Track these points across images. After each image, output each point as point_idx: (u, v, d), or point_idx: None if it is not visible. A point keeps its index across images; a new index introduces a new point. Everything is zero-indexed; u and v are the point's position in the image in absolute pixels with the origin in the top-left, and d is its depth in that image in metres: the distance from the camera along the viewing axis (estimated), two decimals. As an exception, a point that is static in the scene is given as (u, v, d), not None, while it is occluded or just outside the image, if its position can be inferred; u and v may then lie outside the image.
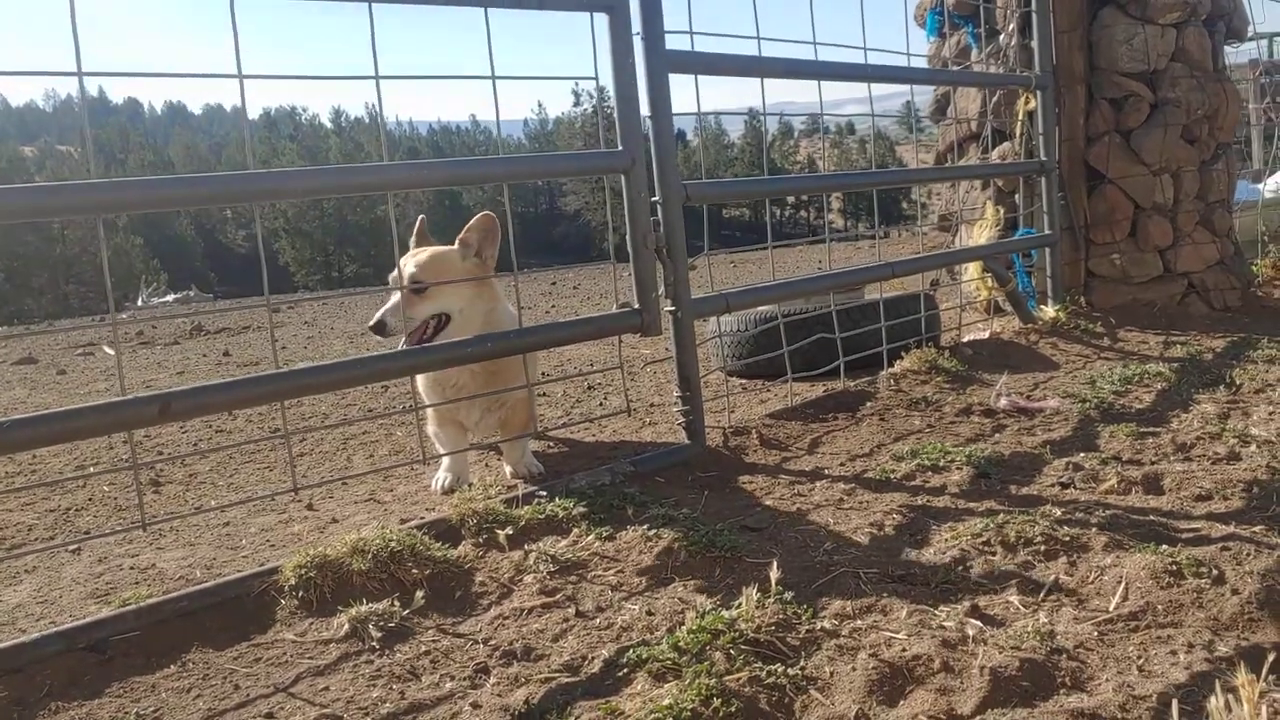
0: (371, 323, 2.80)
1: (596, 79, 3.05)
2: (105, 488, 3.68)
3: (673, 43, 3.15)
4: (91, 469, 4.08)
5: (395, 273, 2.82)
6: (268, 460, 3.94)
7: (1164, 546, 2.02)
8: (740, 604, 1.83)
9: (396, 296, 2.82)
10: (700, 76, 3.38)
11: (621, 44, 2.98)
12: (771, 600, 1.85)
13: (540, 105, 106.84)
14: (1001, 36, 5.50)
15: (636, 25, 3.03)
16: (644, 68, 3.06)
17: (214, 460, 3.96)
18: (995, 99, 5.50)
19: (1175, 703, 1.33)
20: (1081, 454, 2.85)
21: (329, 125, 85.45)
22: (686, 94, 3.48)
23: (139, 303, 28.84)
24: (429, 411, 3.13)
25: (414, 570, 2.19)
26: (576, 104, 79.93)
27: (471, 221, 2.99)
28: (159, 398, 2.20)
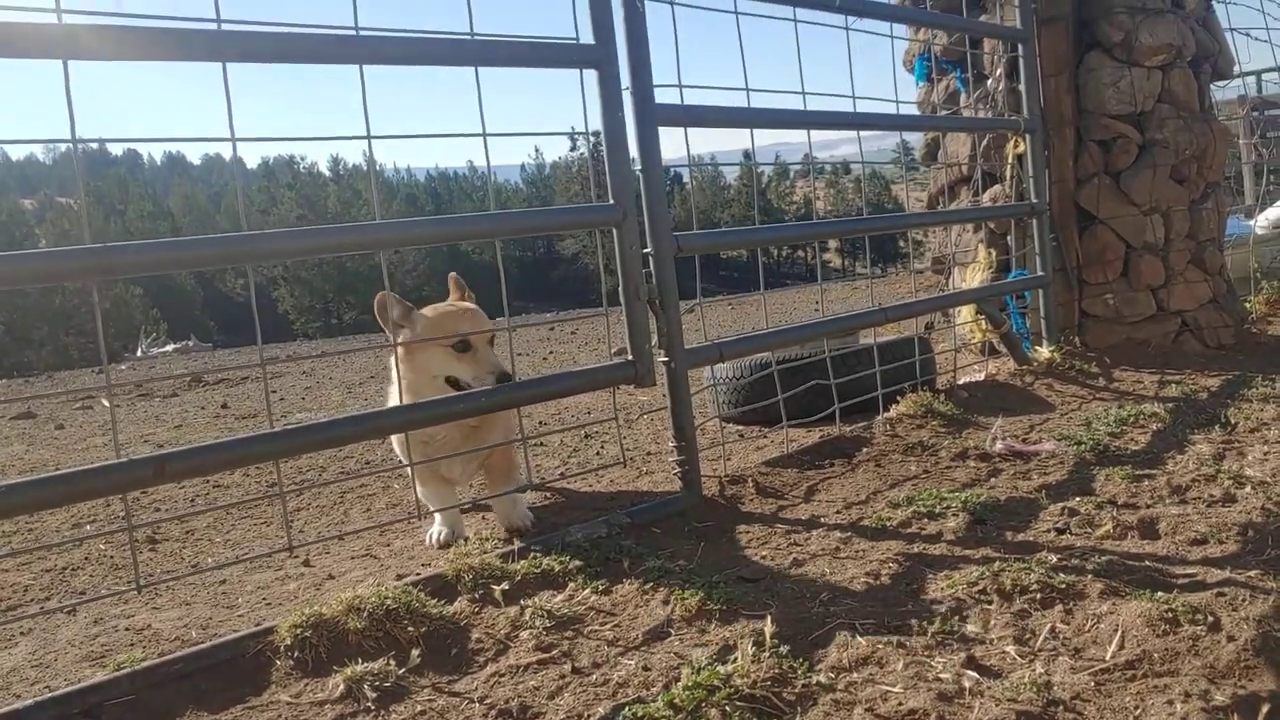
0: (496, 375, 2.84)
1: (587, 133, 3.08)
2: (102, 546, 3.67)
3: (662, 96, 3.19)
4: (88, 526, 4.06)
5: (456, 328, 2.91)
6: (265, 515, 3.93)
7: (1160, 593, 2.02)
8: (736, 659, 1.82)
9: (484, 351, 2.90)
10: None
11: (611, 99, 3.01)
12: (767, 654, 1.85)
13: (537, 150, 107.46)
14: (989, 81, 5.58)
15: (626, 80, 3.08)
16: (633, 122, 3.10)
17: (211, 516, 3.96)
18: (985, 142, 5.56)
19: (1171, 757, 1.33)
20: (1077, 498, 2.85)
21: (327, 174, 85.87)
22: (681, 140, 3.52)
23: (139, 353, 28.82)
24: (416, 469, 3.14)
25: (410, 628, 2.19)
26: (573, 149, 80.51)
27: (458, 280, 3.19)
28: (154, 460, 2.21)
